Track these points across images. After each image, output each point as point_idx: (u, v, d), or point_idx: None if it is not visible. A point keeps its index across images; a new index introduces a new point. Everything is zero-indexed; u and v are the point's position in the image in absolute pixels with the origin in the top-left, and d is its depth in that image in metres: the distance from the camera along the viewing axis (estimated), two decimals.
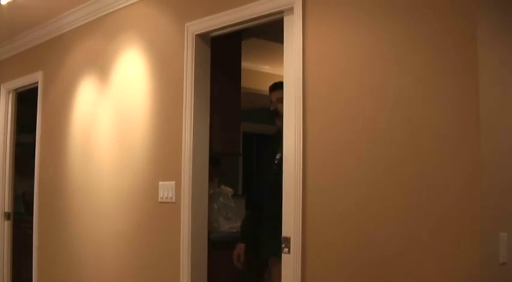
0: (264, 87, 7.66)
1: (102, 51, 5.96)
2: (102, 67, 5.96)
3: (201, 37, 4.91)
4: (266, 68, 7.85)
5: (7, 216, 7.77)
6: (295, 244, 3.94)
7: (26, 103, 7.85)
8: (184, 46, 4.94)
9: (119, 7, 5.78)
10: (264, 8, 4.34)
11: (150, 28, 5.43)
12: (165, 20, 5.25)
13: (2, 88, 7.92)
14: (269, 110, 4.93)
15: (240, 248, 5.08)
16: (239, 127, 6.01)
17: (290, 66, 4.11)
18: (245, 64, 6.14)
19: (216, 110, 5.13)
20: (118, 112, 5.72)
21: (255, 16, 4.44)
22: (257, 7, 4.39)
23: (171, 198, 4.95)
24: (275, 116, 4.76)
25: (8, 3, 6.01)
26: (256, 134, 9.05)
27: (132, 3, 5.63)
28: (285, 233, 4.04)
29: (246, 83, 6.30)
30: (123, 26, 5.73)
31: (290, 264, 3.98)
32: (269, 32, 5.38)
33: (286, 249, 4.00)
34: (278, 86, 4.61)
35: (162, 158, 5.09)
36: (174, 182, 4.92)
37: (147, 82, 5.35)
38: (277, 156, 4.54)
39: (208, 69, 4.97)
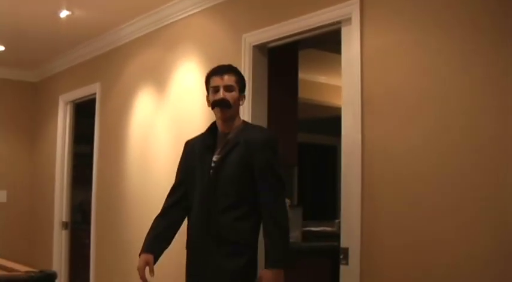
0: (321, 97, 7.72)
1: (159, 63, 6.06)
2: (159, 78, 6.05)
3: (258, 48, 4.97)
4: (322, 79, 7.86)
5: (65, 225, 7.93)
6: (354, 255, 3.95)
7: (83, 114, 8.00)
8: (241, 57, 5.01)
9: (176, 19, 5.88)
10: (321, 19, 4.38)
11: (207, 39, 5.51)
12: (222, 31, 5.33)
13: (60, 99, 8.09)
14: (215, 100, 3.86)
15: (149, 258, 3.88)
16: (296, 138, 6.03)
17: (348, 77, 4.14)
18: (301, 74, 6.17)
19: (273, 121, 5.16)
20: (175, 123, 5.80)
21: (312, 27, 4.48)
22: (314, 18, 4.42)
23: None
24: (224, 106, 3.81)
25: (66, 16, 6.15)
26: (312, 144, 9.05)
27: (189, 15, 5.73)
28: (343, 243, 4.05)
29: (302, 93, 6.32)
30: (181, 37, 5.82)
31: (348, 277, 4.00)
32: (326, 42, 5.40)
33: (344, 261, 4.01)
34: (225, 71, 3.91)
35: None
36: None
37: (204, 93, 5.41)
38: (214, 158, 3.85)
39: (266, 80, 5.02)
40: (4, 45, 7.59)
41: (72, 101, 8.01)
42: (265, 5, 4.92)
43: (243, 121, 4.01)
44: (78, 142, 8.22)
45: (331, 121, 7.31)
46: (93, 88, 7.32)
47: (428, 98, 3.61)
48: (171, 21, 5.96)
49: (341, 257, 4.03)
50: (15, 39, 7.33)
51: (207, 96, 3.97)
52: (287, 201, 6.04)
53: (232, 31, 5.20)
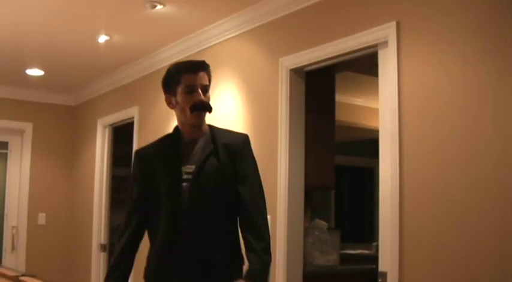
0: (358, 119, 7.72)
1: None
2: None
3: (295, 72, 5.01)
4: (359, 101, 7.88)
5: (103, 247, 8.00)
6: (392, 280, 3.93)
7: (121, 137, 8.09)
8: (278, 81, 5.05)
9: (214, 43, 5.95)
10: (358, 42, 4.41)
11: (245, 63, 5.56)
12: (259, 55, 5.37)
13: (98, 123, 8.20)
14: (196, 103, 3.23)
15: None
16: (333, 160, 6.04)
17: (386, 99, 4.16)
18: (338, 97, 6.19)
19: (310, 143, 5.18)
20: None
21: (348, 50, 4.52)
22: (351, 41, 4.45)
23: None
24: (207, 110, 3.28)
25: (105, 41, 6.25)
26: (349, 166, 9.04)
27: (226, 39, 5.80)
28: (381, 267, 4.05)
29: (339, 115, 6.34)
30: (218, 61, 5.87)
31: None
32: (362, 65, 5.41)
33: None
34: (200, 67, 3.32)
35: None
36: (269, 217, 4.98)
37: (242, 116, 5.47)
38: (186, 169, 3.26)
39: (303, 103, 5.05)
40: (44, 70, 7.73)
41: (111, 125, 8.11)
42: (302, 28, 4.96)
43: (209, 125, 3.37)
44: (116, 165, 8.30)
45: (368, 143, 7.32)
46: (131, 112, 7.41)
47: (467, 119, 3.60)
48: (209, 45, 6.03)
49: (379, 281, 4.02)
50: (55, 64, 7.46)
51: (169, 97, 3.31)
52: (324, 223, 6.07)
53: (269, 55, 5.25)
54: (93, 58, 6.99)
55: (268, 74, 5.22)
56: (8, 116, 8.69)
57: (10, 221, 8.78)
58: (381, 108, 4.23)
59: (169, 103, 3.36)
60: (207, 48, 6.06)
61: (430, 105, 3.84)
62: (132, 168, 3.42)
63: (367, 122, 7.65)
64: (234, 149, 3.29)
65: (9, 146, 8.98)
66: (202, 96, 3.24)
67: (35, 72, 7.78)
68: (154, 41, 6.43)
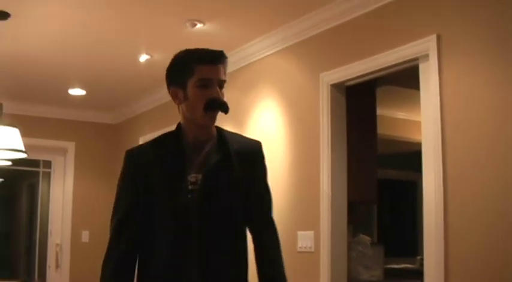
0: (399, 133, 7.69)
1: (237, 103, 6.14)
2: (237, 119, 6.13)
3: (336, 87, 5.03)
4: (400, 114, 7.86)
5: None
6: None
7: None
8: (319, 96, 5.07)
9: (253, 60, 6.00)
10: (399, 56, 4.41)
11: (285, 79, 5.59)
12: (299, 71, 5.40)
13: (140, 141, 8.23)
14: (213, 100, 2.75)
15: None
16: (375, 175, 6.02)
17: (428, 112, 4.15)
18: (379, 110, 6.18)
19: (352, 158, 5.18)
20: None
21: (389, 64, 4.52)
22: (391, 55, 4.46)
23: (310, 247, 5.02)
24: (224, 111, 2.80)
25: (146, 60, 6.32)
26: (390, 180, 9.00)
27: (266, 56, 5.84)
28: None
29: (380, 129, 6.32)
30: (258, 78, 5.91)
31: None
32: (403, 78, 5.41)
33: None
34: (219, 58, 2.82)
35: (300, 207, 5.18)
36: (312, 232, 4.99)
37: (283, 132, 5.49)
38: (190, 178, 2.78)
39: (344, 118, 5.06)
40: (85, 90, 7.84)
41: None
42: (341, 43, 4.98)
43: (216, 127, 2.90)
44: None
45: (410, 156, 7.28)
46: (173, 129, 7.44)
47: (511, 131, 3.59)
48: (248, 62, 6.08)
49: None
50: (96, 83, 7.57)
51: (175, 90, 2.82)
52: (367, 238, 6.06)
53: (309, 70, 5.27)
54: (134, 77, 7.07)
55: (308, 90, 5.25)
56: (51, 136, 8.81)
57: (54, 238, 8.90)
58: (423, 121, 4.22)
59: (175, 97, 2.84)
60: (246, 65, 6.11)
61: (473, 117, 3.83)
62: (122, 170, 2.90)
63: (408, 135, 7.61)
64: (248, 158, 2.89)
65: (53, 165, 9.13)
66: (218, 94, 2.77)
67: (77, 92, 7.90)
68: None
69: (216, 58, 2.78)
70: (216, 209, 2.76)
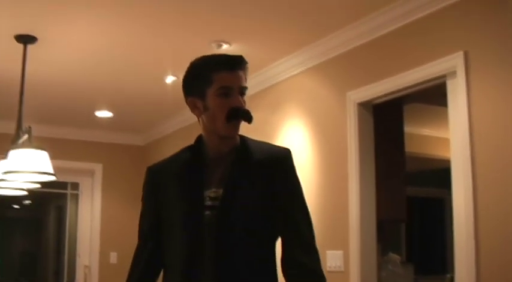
0: (425, 150, 7.66)
1: (265, 123, 6.15)
2: (265, 139, 6.10)
3: (363, 105, 5.02)
4: (427, 131, 7.83)
5: None
6: None
7: None
8: (346, 115, 5.07)
9: (280, 79, 6.01)
10: (426, 74, 4.40)
11: (312, 98, 5.59)
12: (326, 90, 5.40)
13: None
14: (236, 109, 2.53)
15: None
16: (404, 193, 5.99)
17: (457, 129, 4.13)
18: (406, 128, 6.16)
19: (381, 176, 5.16)
20: None
21: (416, 82, 4.51)
22: (418, 73, 4.45)
23: (339, 267, 4.99)
24: (248, 120, 2.56)
25: (172, 81, 6.34)
26: (417, 197, 8.96)
27: (292, 75, 5.85)
28: None
29: (407, 146, 6.31)
30: (285, 97, 5.92)
31: None
32: (429, 95, 5.39)
33: None
34: (239, 64, 2.59)
35: (329, 226, 5.16)
36: (342, 252, 4.97)
37: (311, 152, 5.49)
38: (209, 194, 2.53)
39: (372, 137, 5.05)
40: (112, 112, 7.90)
41: None
42: (368, 62, 4.98)
43: (240, 136, 2.67)
44: None
45: (437, 173, 7.24)
46: None
47: None
48: (274, 82, 6.10)
49: None
50: (123, 105, 7.62)
51: (193, 101, 2.60)
52: (397, 257, 6.03)
53: (336, 89, 5.27)
54: (160, 98, 7.10)
55: (335, 109, 5.24)
56: (79, 158, 8.87)
57: (82, 260, 8.94)
58: (452, 138, 4.20)
59: (193, 108, 2.62)
60: (273, 85, 6.13)
61: (502, 134, 3.81)
62: (143, 188, 2.76)
63: (435, 152, 7.59)
64: (272, 168, 2.59)
65: (80, 187, 9.18)
66: (241, 102, 2.56)
67: (104, 113, 7.96)
68: None
69: (235, 64, 2.58)
70: (237, 229, 2.48)
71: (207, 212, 2.48)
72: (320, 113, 5.45)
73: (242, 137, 2.66)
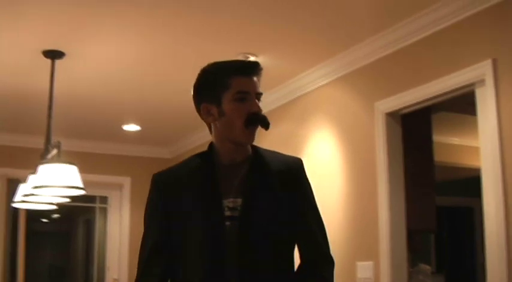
0: (455, 158, 7.62)
1: (292, 135, 6.15)
2: (293, 150, 6.12)
3: (391, 115, 5.00)
4: (455, 140, 7.79)
5: None
6: None
7: None
8: (374, 125, 5.06)
9: (307, 90, 6.01)
10: (454, 82, 4.38)
11: (339, 109, 5.59)
12: (354, 100, 5.39)
13: None
14: (254, 114, 2.50)
15: None
16: (433, 203, 5.95)
17: (486, 138, 4.11)
18: (434, 137, 6.13)
19: (410, 186, 5.13)
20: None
21: (445, 91, 4.48)
22: (446, 82, 4.43)
23: (369, 278, 4.97)
24: (266, 126, 2.54)
25: None
26: (447, 207, 8.91)
27: (320, 86, 5.85)
28: None
29: (435, 155, 6.27)
30: (312, 108, 5.92)
31: None
32: (458, 104, 5.36)
33: None
34: (255, 69, 2.56)
35: (359, 237, 5.14)
36: (372, 263, 4.95)
37: (339, 162, 5.47)
38: (227, 203, 2.47)
39: (401, 147, 5.03)
40: (140, 125, 7.93)
41: None
42: (395, 71, 4.96)
43: (251, 145, 2.62)
44: None
45: (466, 182, 7.19)
46: None
47: None
48: (302, 93, 6.09)
49: None
50: (150, 118, 7.65)
51: (208, 107, 2.54)
52: (428, 268, 5.98)
53: (363, 100, 5.26)
54: (188, 111, 7.01)
55: (363, 119, 5.23)
56: (107, 171, 8.91)
57: (111, 273, 8.97)
58: (482, 147, 4.17)
59: (207, 114, 2.55)
60: (300, 96, 6.13)
61: None
62: (149, 196, 2.63)
63: (464, 161, 7.56)
64: (290, 178, 2.58)
65: (109, 201, 9.23)
66: (259, 107, 2.51)
67: (131, 127, 8.00)
68: None
69: (253, 69, 2.53)
70: (260, 239, 2.43)
71: (227, 222, 2.42)
72: (348, 123, 5.44)
73: (254, 146, 2.62)
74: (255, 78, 2.52)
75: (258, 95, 2.53)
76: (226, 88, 2.48)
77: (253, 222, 2.43)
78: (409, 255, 5.77)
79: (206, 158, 2.57)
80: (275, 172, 2.55)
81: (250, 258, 2.40)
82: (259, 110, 2.50)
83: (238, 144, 2.53)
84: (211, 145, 2.60)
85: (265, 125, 2.51)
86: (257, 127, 2.51)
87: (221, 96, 2.49)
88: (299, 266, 2.56)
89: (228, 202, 2.44)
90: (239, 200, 2.45)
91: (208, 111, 2.54)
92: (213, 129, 2.58)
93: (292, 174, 2.59)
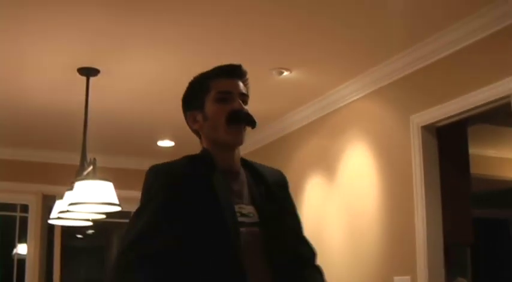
0: (492, 171, 7.56)
1: (326, 150, 6.14)
2: (327, 165, 6.12)
3: (427, 129, 4.97)
4: (492, 152, 7.72)
5: None
6: None
7: None
8: (410, 139, 5.03)
9: (341, 105, 6.00)
10: (490, 94, 4.34)
11: (374, 123, 5.57)
12: (389, 114, 5.37)
13: None
14: (236, 111, 2.44)
15: None
16: (470, 216, 5.89)
17: None
18: (471, 149, 6.08)
19: (446, 200, 5.08)
20: (347, 208, 5.82)
21: (481, 103, 4.45)
22: (482, 94, 4.39)
23: None
24: (251, 124, 2.47)
25: None
26: (483, 219, 8.82)
27: (354, 100, 5.84)
28: None
29: (471, 168, 6.22)
30: (346, 122, 5.90)
31: None
32: (494, 116, 5.32)
33: None
34: (238, 73, 2.57)
35: (395, 252, 5.10)
36: (409, 277, 4.90)
37: (374, 177, 5.44)
38: (241, 210, 2.39)
39: (437, 160, 5.00)
40: (174, 141, 7.96)
41: None
42: (430, 84, 4.93)
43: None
44: None
45: (501, 194, 7.13)
46: None
47: None
48: (336, 107, 6.08)
49: None
50: (184, 134, 7.57)
51: (193, 114, 2.52)
52: (464, 281, 5.91)
53: (398, 113, 5.24)
54: None
55: (398, 133, 5.20)
56: (141, 187, 8.89)
57: None
58: None
59: (193, 122, 2.52)
60: (334, 110, 6.11)
61: None
62: (149, 189, 2.41)
63: (501, 173, 7.50)
64: (284, 188, 2.60)
65: None
66: (242, 105, 2.44)
67: (166, 143, 8.04)
68: (282, 106, 6.52)
69: (234, 71, 2.53)
70: (283, 244, 2.42)
71: (243, 229, 2.32)
72: (383, 137, 5.42)
73: (242, 158, 2.57)
74: (238, 81, 2.50)
75: (243, 96, 2.48)
76: (207, 91, 2.47)
77: (275, 229, 2.40)
78: (446, 269, 5.72)
79: (206, 160, 2.46)
80: (271, 181, 2.53)
81: (278, 263, 2.35)
82: (241, 107, 2.43)
83: (226, 146, 2.46)
84: (205, 151, 2.52)
85: (250, 122, 2.44)
86: (242, 126, 2.44)
87: (204, 101, 2.47)
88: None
89: (239, 208, 2.37)
90: (250, 207, 2.40)
91: (194, 118, 2.51)
92: (202, 136, 2.55)
93: (285, 186, 2.62)
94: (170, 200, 2.32)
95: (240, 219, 2.34)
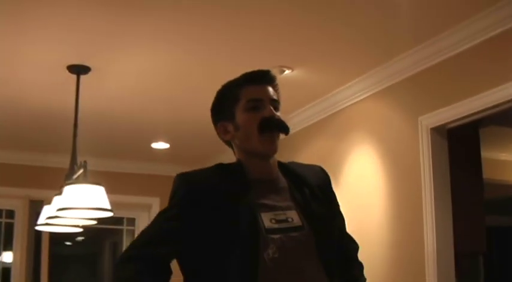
0: (506, 176, 7.57)
1: (331, 150, 6.15)
2: (332, 166, 6.10)
3: (436, 130, 4.98)
4: (505, 156, 7.74)
5: None
6: None
7: None
8: (418, 141, 5.03)
9: (346, 105, 6.01)
10: (503, 95, 4.35)
11: (380, 124, 5.58)
12: (396, 115, 5.37)
13: None
14: (267, 118, 2.47)
15: None
16: (482, 222, 5.89)
17: None
18: (483, 153, 6.08)
19: (457, 205, 5.08)
20: (352, 211, 5.78)
21: (493, 104, 4.45)
22: (496, 94, 4.39)
23: None
24: (284, 130, 2.52)
25: None
26: (497, 226, 8.82)
27: (359, 100, 5.85)
28: None
29: (484, 172, 6.23)
30: (352, 123, 5.90)
31: None
32: (508, 118, 5.32)
33: None
34: (268, 79, 2.58)
35: (404, 260, 5.11)
36: None
37: (381, 180, 5.45)
38: (277, 217, 2.43)
39: (447, 164, 5.00)
40: (169, 143, 7.97)
41: None
42: (440, 84, 4.93)
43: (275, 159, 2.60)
44: None
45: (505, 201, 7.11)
46: None
47: None
48: (341, 107, 6.10)
49: None
50: (180, 136, 7.67)
51: (224, 125, 2.57)
52: None
53: (406, 114, 5.24)
54: None
55: (406, 135, 5.21)
56: (135, 192, 8.92)
57: None
58: None
59: (224, 133, 2.56)
60: (339, 110, 6.13)
61: None
62: (172, 197, 2.54)
63: (509, 178, 7.52)
64: (326, 190, 2.65)
65: (137, 222, 9.25)
66: (273, 111, 2.47)
67: (160, 145, 8.05)
68: (285, 106, 6.44)
69: (263, 77, 2.55)
70: (331, 247, 2.47)
71: (277, 236, 2.34)
72: (390, 139, 5.42)
73: (278, 161, 2.61)
74: (268, 87, 2.53)
75: (274, 102, 2.51)
76: (237, 100, 2.50)
77: (322, 230, 2.44)
78: (458, 278, 5.72)
79: (237, 171, 2.51)
80: (314, 182, 2.58)
81: (330, 263, 2.41)
82: (273, 113, 2.47)
83: (260, 155, 2.50)
84: (238, 161, 2.56)
85: (283, 129, 2.49)
86: (275, 133, 2.49)
87: (234, 110, 2.51)
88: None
89: (273, 215, 2.39)
90: (291, 212, 2.43)
91: (225, 129, 2.55)
92: (234, 147, 2.59)
93: (329, 183, 2.69)
94: (187, 210, 2.39)
95: (273, 226, 2.35)
